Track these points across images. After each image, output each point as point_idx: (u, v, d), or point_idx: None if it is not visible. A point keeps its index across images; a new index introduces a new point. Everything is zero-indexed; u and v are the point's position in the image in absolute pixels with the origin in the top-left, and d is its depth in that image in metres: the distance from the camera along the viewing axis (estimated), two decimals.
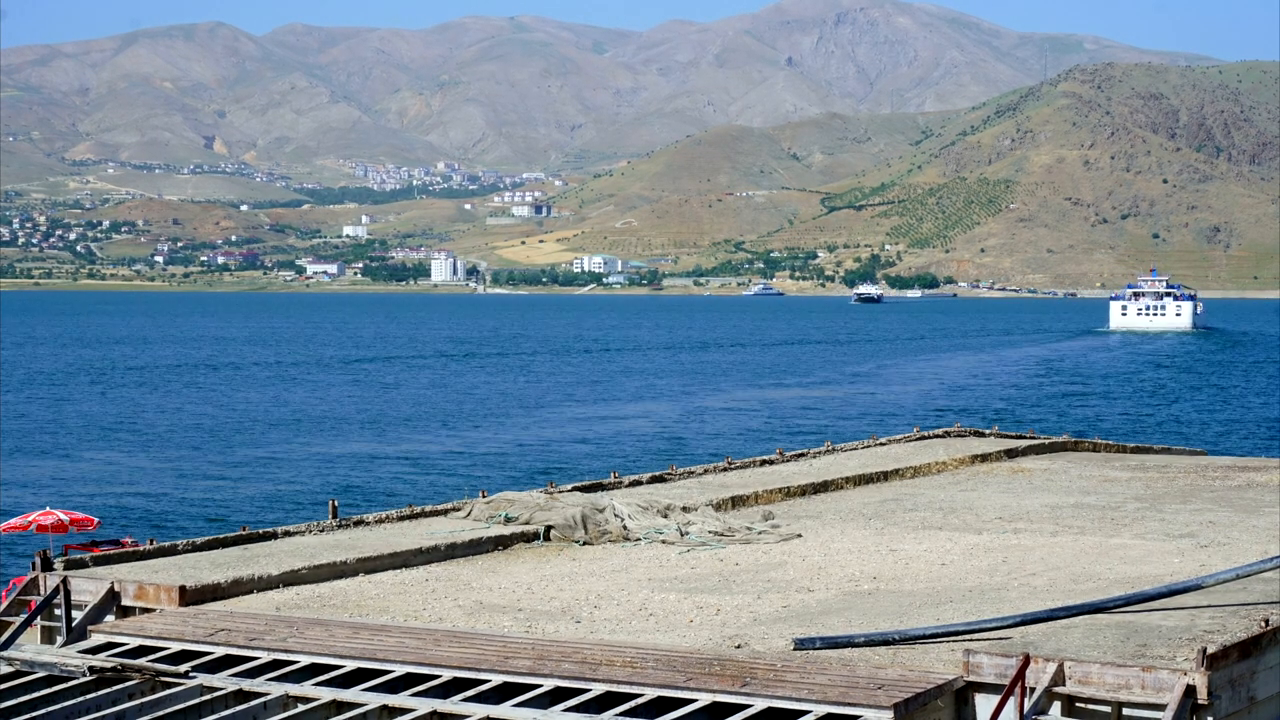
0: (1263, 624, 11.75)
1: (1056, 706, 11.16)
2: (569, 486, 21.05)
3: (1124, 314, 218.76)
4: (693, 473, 23.79)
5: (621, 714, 11.43)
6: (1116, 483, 23.34)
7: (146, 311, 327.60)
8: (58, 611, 14.63)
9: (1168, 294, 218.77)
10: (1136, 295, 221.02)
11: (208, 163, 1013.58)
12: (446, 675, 12.31)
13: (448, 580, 16.10)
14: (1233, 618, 12.55)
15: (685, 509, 19.37)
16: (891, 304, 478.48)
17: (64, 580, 14.72)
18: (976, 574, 15.78)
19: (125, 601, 14.75)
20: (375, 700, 12.04)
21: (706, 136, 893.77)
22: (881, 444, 27.82)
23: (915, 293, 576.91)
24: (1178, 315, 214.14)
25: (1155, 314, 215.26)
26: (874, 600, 14.49)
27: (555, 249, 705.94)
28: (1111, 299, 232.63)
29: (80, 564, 15.65)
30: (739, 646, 12.74)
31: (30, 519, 28.39)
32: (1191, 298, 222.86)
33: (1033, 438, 28.95)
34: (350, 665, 12.66)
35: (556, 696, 11.87)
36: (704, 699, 11.46)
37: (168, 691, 12.45)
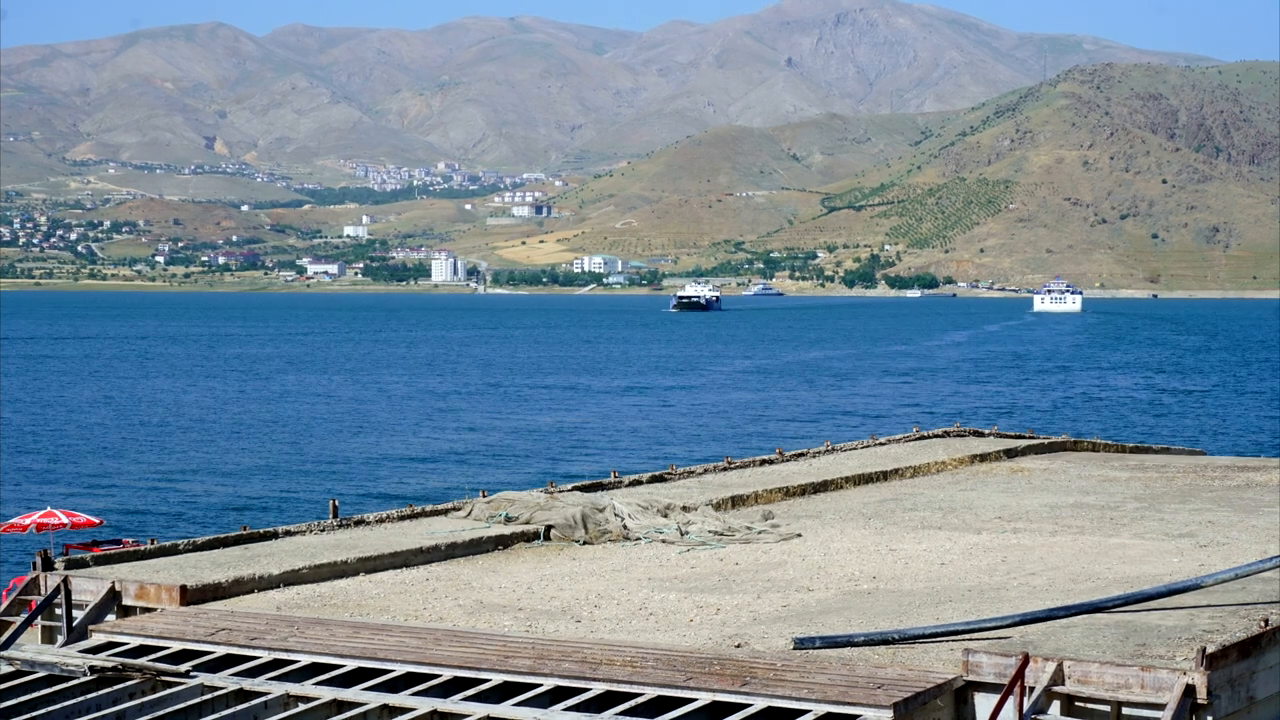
0: (1262, 624, 11.75)
1: (1056, 706, 11.17)
2: (569, 486, 21.06)
3: (1043, 303, 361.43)
4: (693, 472, 23.79)
5: (621, 713, 11.45)
6: (1116, 482, 23.35)
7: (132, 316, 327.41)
8: (58, 611, 14.64)
9: (1066, 291, 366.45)
10: (1049, 292, 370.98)
11: (208, 163, 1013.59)
12: (447, 675, 12.33)
13: (448, 580, 16.11)
14: (1232, 617, 12.56)
15: (685, 508, 19.39)
16: (733, 309, 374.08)
17: (65, 580, 14.73)
18: (976, 574, 15.79)
19: (126, 601, 14.76)
20: (376, 700, 12.06)
21: (706, 137, 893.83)
22: (881, 444, 27.82)
23: (915, 292, 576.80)
24: (1072, 303, 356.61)
25: (1060, 302, 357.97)
26: (874, 600, 14.51)
27: (555, 249, 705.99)
28: (1034, 294, 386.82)
29: (81, 564, 15.67)
30: (739, 646, 12.76)
31: (31, 519, 28.44)
32: (1080, 293, 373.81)
33: (1032, 437, 28.95)
34: (351, 665, 12.67)
35: (557, 696, 11.89)
36: (704, 698, 11.48)
37: (168, 691, 12.46)
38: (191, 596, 14.75)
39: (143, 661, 12.94)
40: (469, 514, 19.43)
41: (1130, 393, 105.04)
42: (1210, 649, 10.93)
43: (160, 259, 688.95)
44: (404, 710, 11.88)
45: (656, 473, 23.29)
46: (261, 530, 18.02)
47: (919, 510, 20.50)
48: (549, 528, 18.65)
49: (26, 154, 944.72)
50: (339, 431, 76.76)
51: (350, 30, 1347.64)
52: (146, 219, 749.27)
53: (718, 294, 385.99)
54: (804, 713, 11.09)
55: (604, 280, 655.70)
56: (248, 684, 12.48)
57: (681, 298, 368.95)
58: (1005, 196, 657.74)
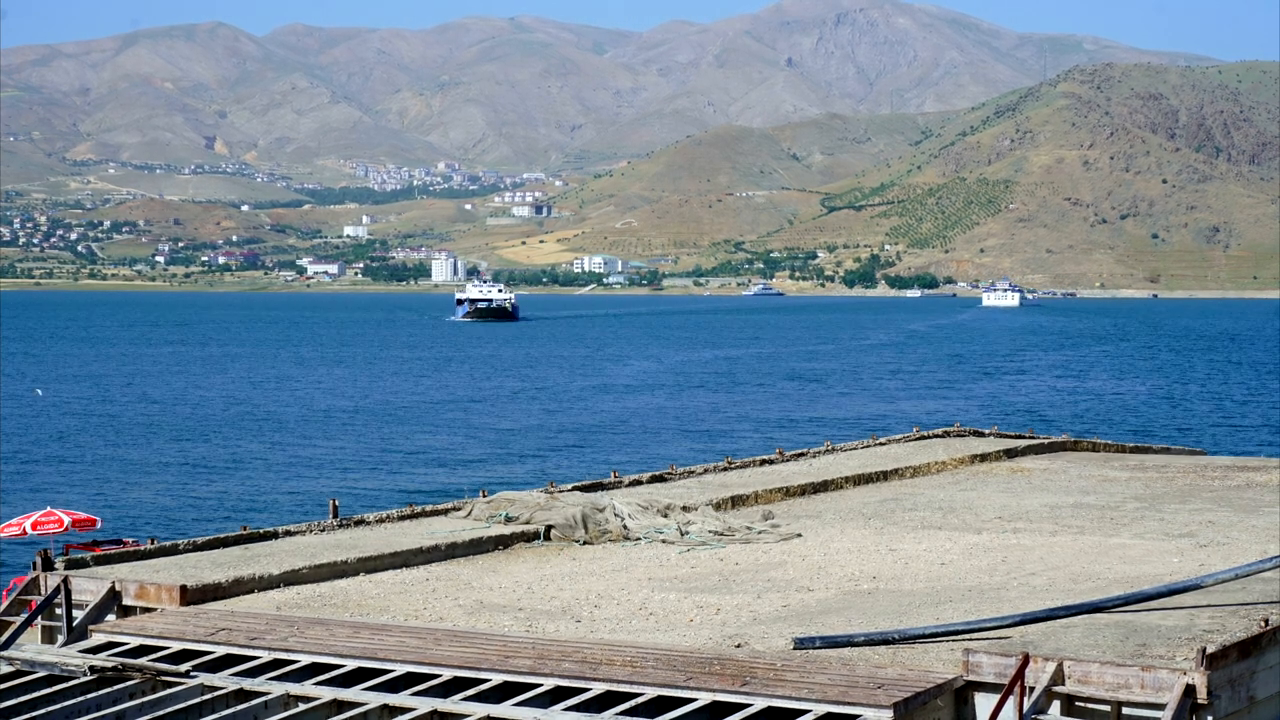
0: (1262, 624, 11.75)
1: (1056, 706, 11.17)
2: (569, 486, 21.06)
3: (989, 299, 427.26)
4: (693, 472, 23.79)
5: (621, 713, 11.45)
6: (1116, 482, 23.35)
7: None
8: (59, 611, 14.64)
9: (1008, 290, 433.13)
10: (995, 289, 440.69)
11: (209, 163, 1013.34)
12: (447, 674, 12.33)
13: (448, 580, 16.12)
14: (1232, 617, 12.56)
15: (685, 508, 19.39)
16: (538, 317, 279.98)
17: (65, 580, 14.73)
18: (976, 574, 15.79)
19: (126, 601, 14.76)
20: (376, 699, 12.06)
21: (706, 137, 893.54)
22: (881, 444, 27.82)
23: (915, 292, 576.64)
24: (1013, 299, 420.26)
25: (1003, 298, 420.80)
26: (874, 600, 14.51)
27: (555, 249, 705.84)
28: (985, 290, 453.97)
29: (81, 564, 15.67)
30: (739, 646, 12.76)
31: (31, 519, 28.41)
32: (1020, 290, 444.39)
33: (1032, 437, 28.95)
34: (351, 664, 12.67)
35: (557, 696, 11.89)
36: (704, 698, 11.48)
37: (168, 691, 12.46)
38: (191, 596, 14.75)
39: (143, 661, 12.94)
40: (469, 514, 19.43)
41: (1129, 393, 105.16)
42: (1210, 649, 10.93)
43: (160, 259, 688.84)
44: (404, 710, 11.88)
45: (656, 473, 23.29)
46: (261, 530, 18.02)
47: (919, 510, 20.50)
48: (549, 528, 18.65)
49: (26, 154, 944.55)
50: (339, 431, 76.75)
51: (350, 30, 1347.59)
52: (146, 219, 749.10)
53: (512, 297, 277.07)
54: (804, 713, 11.09)
55: (604, 280, 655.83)
56: (248, 684, 12.48)
57: (475, 303, 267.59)
58: (1005, 196, 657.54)
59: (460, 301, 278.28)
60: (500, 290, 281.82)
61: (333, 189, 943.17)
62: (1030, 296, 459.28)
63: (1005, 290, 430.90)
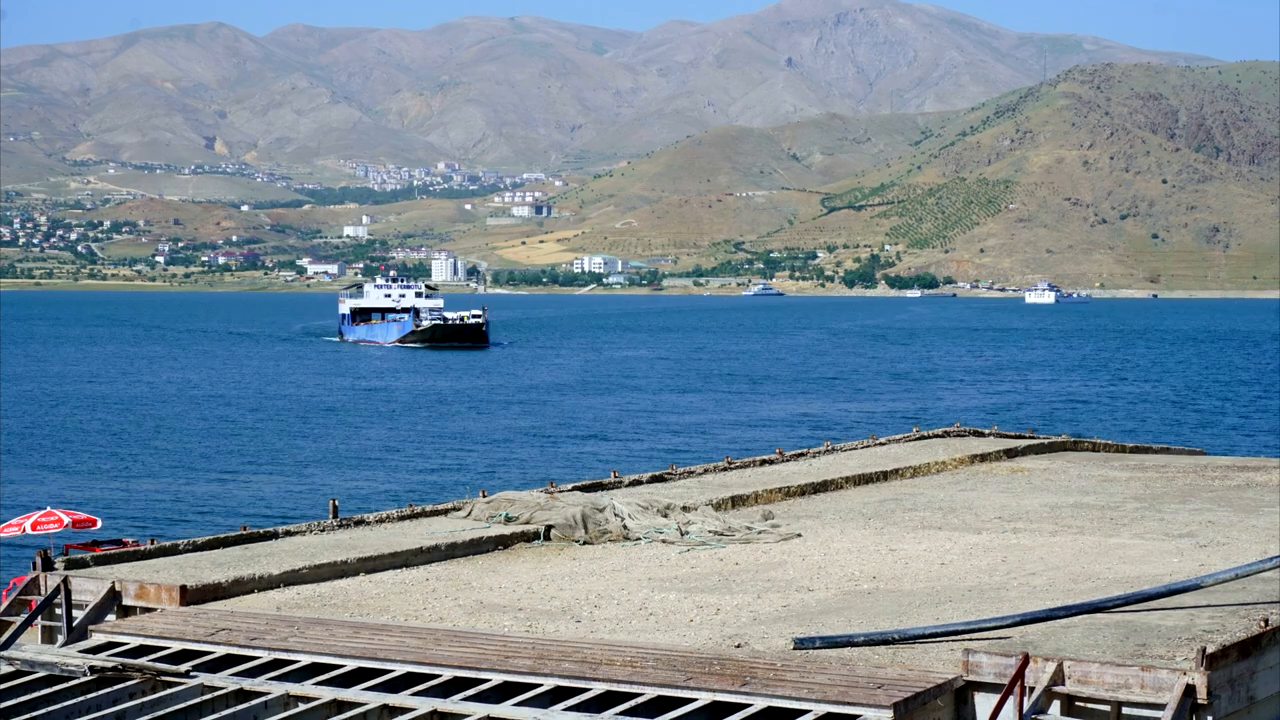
0: (1262, 624, 11.75)
1: (1056, 706, 11.17)
2: (569, 486, 21.06)
3: (1030, 297, 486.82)
4: (693, 472, 23.79)
5: (621, 713, 11.45)
6: (1116, 482, 23.34)
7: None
8: (58, 611, 14.64)
9: (1045, 289, 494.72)
10: (1036, 289, 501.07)
11: (209, 163, 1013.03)
12: (447, 674, 12.33)
13: (448, 580, 16.12)
14: (1232, 617, 12.56)
15: (685, 508, 19.38)
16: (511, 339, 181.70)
17: (65, 580, 14.73)
18: (976, 574, 15.79)
19: (126, 601, 14.76)
20: (376, 699, 12.06)
21: (706, 137, 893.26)
22: (881, 444, 27.80)
23: (915, 293, 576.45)
24: (1049, 297, 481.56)
25: (1042, 296, 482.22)
26: (874, 600, 14.50)
27: (555, 249, 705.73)
28: (1027, 291, 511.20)
29: (81, 564, 15.67)
30: (739, 646, 12.76)
31: (31, 519, 28.41)
32: (1057, 290, 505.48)
33: (1032, 437, 28.94)
34: (351, 665, 12.67)
35: (557, 696, 11.89)
36: (704, 698, 11.48)
37: (168, 691, 12.46)
38: (191, 596, 14.75)
39: (143, 661, 12.94)
40: (469, 514, 19.43)
41: (1129, 392, 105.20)
42: (1210, 649, 10.93)
43: (160, 259, 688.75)
44: (404, 710, 11.88)
45: (656, 473, 23.29)
46: (261, 530, 18.03)
47: (919, 510, 20.49)
48: (549, 528, 18.65)
49: (26, 154, 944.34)
50: (339, 432, 76.73)
51: (350, 30, 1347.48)
52: (146, 219, 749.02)
53: (482, 312, 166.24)
54: (804, 713, 11.09)
55: (604, 280, 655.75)
56: (248, 684, 12.48)
57: (422, 315, 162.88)
58: (1005, 196, 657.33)
59: (358, 313, 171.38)
60: (423, 293, 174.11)
61: (333, 189, 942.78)
62: (1070, 296, 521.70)
63: (1044, 290, 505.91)
